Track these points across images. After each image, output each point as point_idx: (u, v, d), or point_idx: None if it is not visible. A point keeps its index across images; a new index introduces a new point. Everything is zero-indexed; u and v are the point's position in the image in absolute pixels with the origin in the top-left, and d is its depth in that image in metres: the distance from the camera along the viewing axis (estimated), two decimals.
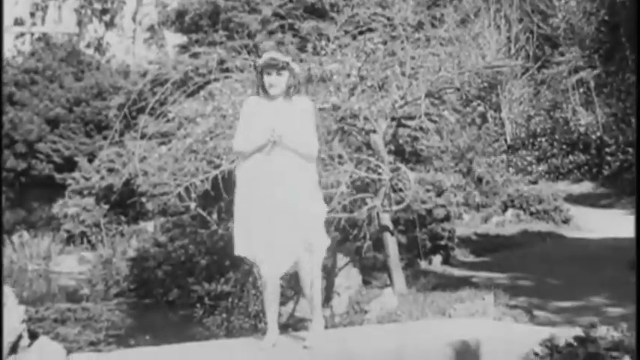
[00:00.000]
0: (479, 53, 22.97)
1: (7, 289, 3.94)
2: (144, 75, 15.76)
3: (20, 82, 20.99)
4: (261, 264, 4.22)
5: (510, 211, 19.22)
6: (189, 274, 11.47)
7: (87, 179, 17.26)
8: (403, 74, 8.82)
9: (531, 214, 18.99)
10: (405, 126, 10.10)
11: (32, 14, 34.51)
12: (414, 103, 8.96)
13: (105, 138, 18.13)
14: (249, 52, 9.19)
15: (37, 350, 3.87)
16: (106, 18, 35.82)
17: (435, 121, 10.63)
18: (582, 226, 18.36)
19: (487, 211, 19.40)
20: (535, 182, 24.23)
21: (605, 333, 4.61)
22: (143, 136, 8.98)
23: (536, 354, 4.60)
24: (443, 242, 13.43)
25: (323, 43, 8.96)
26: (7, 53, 26.28)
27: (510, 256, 14.25)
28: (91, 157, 18.44)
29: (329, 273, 8.80)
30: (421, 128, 10.46)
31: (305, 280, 4.25)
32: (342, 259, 9.28)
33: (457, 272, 12.29)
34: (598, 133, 26.01)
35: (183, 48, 15.80)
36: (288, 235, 4.12)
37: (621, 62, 25.27)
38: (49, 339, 4.02)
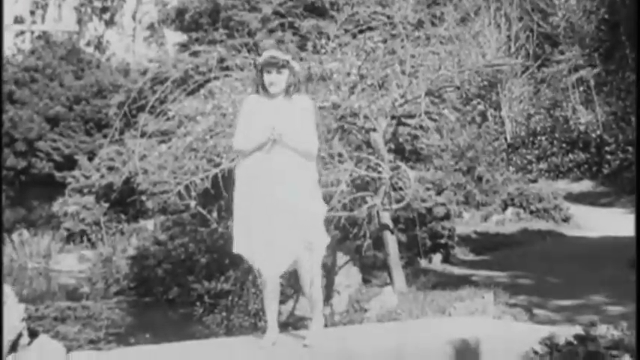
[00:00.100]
0: (479, 52, 22.99)
1: (7, 288, 3.93)
2: (144, 73, 15.75)
3: (20, 80, 20.97)
4: (257, 264, 4.22)
5: (510, 210, 19.22)
6: (189, 273, 11.47)
7: (87, 177, 17.26)
8: (403, 73, 8.81)
9: (531, 212, 19.00)
10: (405, 124, 10.09)
11: (32, 12, 34.50)
12: (414, 101, 8.95)
13: (105, 136, 18.12)
14: (249, 51, 9.18)
15: (37, 348, 3.87)
16: (106, 16, 35.82)
17: (435, 120, 10.62)
18: (582, 224, 18.37)
19: (487, 210, 19.41)
20: (535, 181, 24.25)
21: (605, 331, 4.61)
22: (143, 135, 8.98)
23: (536, 352, 4.60)
24: (443, 241, 13.43)
25: (323, 41, 8.95)
26: (7, 51, 26.30)
27: (510, 254, 14.25)
28: (91, 156, 18.44)
29: (329, 271, 8.80)
30: (421, 127, 10.45)
31: (305, 278, 4.25)
32: (342, 258, 9.28)
33: (457, 271, 12.29)
34: (598, 132, 26.02)
35: (183, 46, 15.80)
36: (288, 234, 4.12)
37: (621, 61, 25.28)
38: (49, 337, 4.01)
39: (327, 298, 8.52)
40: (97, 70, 22.28)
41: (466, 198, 18.60)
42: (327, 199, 7.20)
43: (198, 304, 10.54)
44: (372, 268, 10.85)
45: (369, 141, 8.91)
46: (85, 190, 17.13)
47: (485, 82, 25.82)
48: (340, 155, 8.23)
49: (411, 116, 9.34)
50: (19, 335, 3.84)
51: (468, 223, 17.84)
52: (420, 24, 9.97)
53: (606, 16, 26.29)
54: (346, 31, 9.51)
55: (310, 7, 13.85)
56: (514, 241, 15.98)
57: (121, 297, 12.10)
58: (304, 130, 4.23)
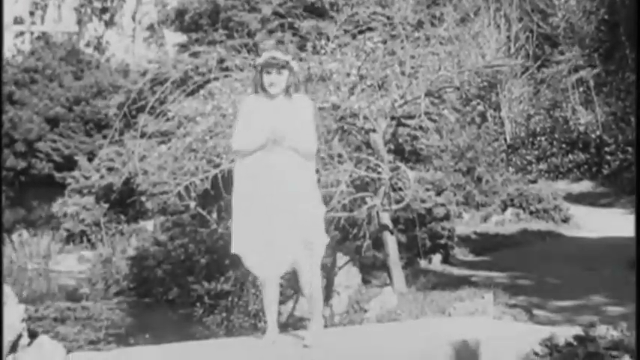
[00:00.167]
0: (478, 52, 23.04)
1: (7, 288, 3.94)
2: (144, 74, 15.74)
3: (20, 81, 20.98)
4: (251, 264, 4.22)
5: (510, 210, 19.21)
6: (189, 273, 11.47)
7: (87, 178, 17.26)
8: (403, 73, 8.81)
9: (531, 213, 18.99)
10: (404, 125, 10.10)
11: (32, 13, 34.49)
12: (413, 102, 8.95)
13: (105, 137, 18.13)
14: (249, 51, 9.18)
15: (37, 349, 3.87)
16: (106, 17, 35.81)
17: (434, 120, 10.63)
18: (582, 225, 18.35)
19: (487, 210, 19.41)
20: (535, 181, 24.24)
21: (605, 332, 4.61)
22: (143, 135, 8.98)
23: (535, 353, 4.60)
24: (442, 241, 13.42)
25: (323, 42, 8.95)
26: (7, 52, 26.28)
27: (510, 255, 14.23)
28: (91, 156, 18.45)
29: (329, 272, 8.80)
30: (421, 127, 10.46)
31: (304, 278, 4.25)
32: (341, 258, 9.28)
33: (457, 271, 12.28)
34: (598, 132, 26.01)
35: (183, 47, 15.81)
36: (288, 234, 4.12)
37: (621, 61, 25.28)
38: (48, 338, 4.01)
39: (327, 298, 8.52)
40: (96, 70, 22.30)
41: (466, 198, 18.61)
42: (327, 199, 7.21)
43: (198, 304, 10.54)
44: (372, 269, 10.85)
45: (369, 142, 8.92)
46: (85, 191, 17.14)
47: (485, 83, 25.84)
48: (340, 156, 8.24)
49: (411, 117, 9.34)
50: (19, 336, 3.84)
51: (467, 224, 17.84)
52: (419, 24, 9.99)
53: (606, 17, 26.30)
54: (346, 31, 9.52)
55: (310, 7, 13.87)
56: (514, 241, 15.96)
57: (120, 298, 12.10)
58: (304, 131, 4.23)
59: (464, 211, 18.33)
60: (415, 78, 8.94)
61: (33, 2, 34.53)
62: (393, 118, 9.21)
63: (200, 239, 11.79)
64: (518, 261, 13.16)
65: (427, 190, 12.59)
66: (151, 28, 34.06)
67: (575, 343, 4.51)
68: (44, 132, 20.13)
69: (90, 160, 18.02)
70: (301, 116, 4.27)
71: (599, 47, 27.03)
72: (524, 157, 26.58)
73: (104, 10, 35.85)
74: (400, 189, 9.21)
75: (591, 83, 26.51)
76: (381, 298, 8.22)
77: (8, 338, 3.76)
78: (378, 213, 8.77)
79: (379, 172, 8.43)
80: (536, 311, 8.29)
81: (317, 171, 5.38)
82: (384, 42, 8.95)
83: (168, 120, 8.95)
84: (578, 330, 4.68)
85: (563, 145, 26.80)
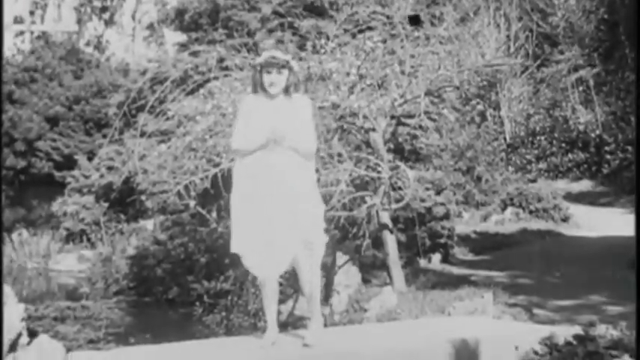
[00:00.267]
0: (478, 52, 23.03)
1: (7, 288, 3.93)
2: (143, 73, 15.75)
3: (20, 80, 20.99)
4: (249, 263, 4.22)
5: (510, 210, 19.22)
6: (189, 272, 11.47)
7: (86, 177, 17.26)
8: (402, 73, 8.81)
9: (530, 212, 19.00)
10: (404, 124, 10.10)
11: (32, 12, 34.47)
12: (413, 101, 8.95)
13: (104, 136, 18.12)
14: (248, 51, 9.18)
15: (37, 348, 3.87)
16: (106, 16, 35.79)
17: (434, 120, 10.64)
18: (581, 224, 18.36)
19: (486, 210, 19.41)
20: (534, 180, 24.23)
21: (605, 331, 4.60)
22: (143, 134, 8.98)
23: (535, 352, 4.60)
24: (442, 240, 13.43)
25: (322, 41, 8.95)
26: (7, 52, 26.29)
27: (509, 254, 14.24)
28: (91, 155, 18.45)
29: (328, 271, 8.80)
30: (420, 127, 10.46)
31: (304, 278, 4.25)
32: (341, 258, 9.27)
33: (456, 270, 12.29)
34: (597, 132, 26.01)
35: (183, 46, 15.82)
36: (288, 234, 4.12)
37: (621, 61, 25.27)
38: (48, 337, 4.01)
39: (327, 297, 8.53)
40: (96, 69, 22.31)
41: (465, 198, 18.62)
42: (327, 198, 7.21)
43: (197, 303, 10.54)
44: (372, 268, 10.86)
45: (369, 141, 8.92)
46: (85, 190, 17.14)
47: (485, 82, 25.83)
48: (340, 155, 8.24)
49: (411, 116, 9.34)
50: (19, 335, 3.84)
51: (467, 223, 17.84)
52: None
53: (606, 16, 26.28)
54: (345, 30, 9.51)
55: (310, 6, 13.87)
56: (513, 240, 15.98)
57: (120, 297, 12.09)
58: (303, 130, 4.23)
59: (463, 210, 18.34)
60: (415, 77, 8.94)
61: (33, 1, 34.52)
62: (392, 117, 9.21)
63: (200, 238, 11.79)
64: (517, 260, 13.17)
65: (427, 189, 12.60)
66: (150, 27, 34.06)
67: (574, 343, 4.50)
68: (44, 131, 20.13)
69: (90, 159, 18.03)
70: (301, 116, 4.27)
71: (598, 47, 27.03)
72: (524, 156, 26.58)
73: (104, 9, 35.84)
74: (400, 188, 9.21)
75: (591, 83, 26.51)
76: (380, 297, 8.22)
77: (8, 337, 3.76)
78: (377, 212, 8.77)
79: (379, 172, 8.43)
80: (535, 310, 8.30)
81: (317, 170, 5.40)
82: (384, 41, 8.95)
83: (168, 119, 8.95)
84: (577, 329, 4.67)
85: (563, 145, 26.81)
